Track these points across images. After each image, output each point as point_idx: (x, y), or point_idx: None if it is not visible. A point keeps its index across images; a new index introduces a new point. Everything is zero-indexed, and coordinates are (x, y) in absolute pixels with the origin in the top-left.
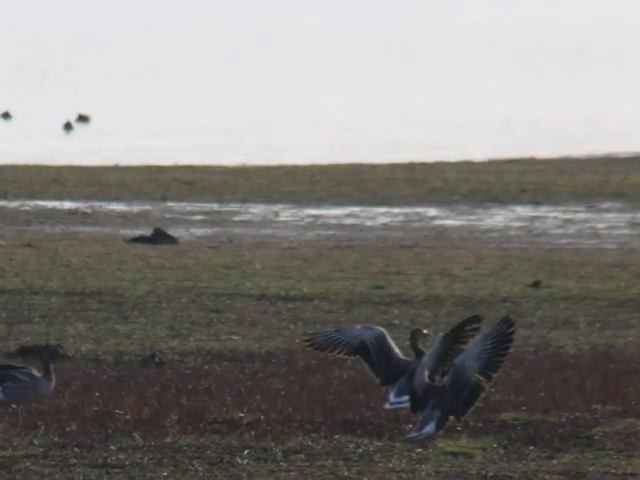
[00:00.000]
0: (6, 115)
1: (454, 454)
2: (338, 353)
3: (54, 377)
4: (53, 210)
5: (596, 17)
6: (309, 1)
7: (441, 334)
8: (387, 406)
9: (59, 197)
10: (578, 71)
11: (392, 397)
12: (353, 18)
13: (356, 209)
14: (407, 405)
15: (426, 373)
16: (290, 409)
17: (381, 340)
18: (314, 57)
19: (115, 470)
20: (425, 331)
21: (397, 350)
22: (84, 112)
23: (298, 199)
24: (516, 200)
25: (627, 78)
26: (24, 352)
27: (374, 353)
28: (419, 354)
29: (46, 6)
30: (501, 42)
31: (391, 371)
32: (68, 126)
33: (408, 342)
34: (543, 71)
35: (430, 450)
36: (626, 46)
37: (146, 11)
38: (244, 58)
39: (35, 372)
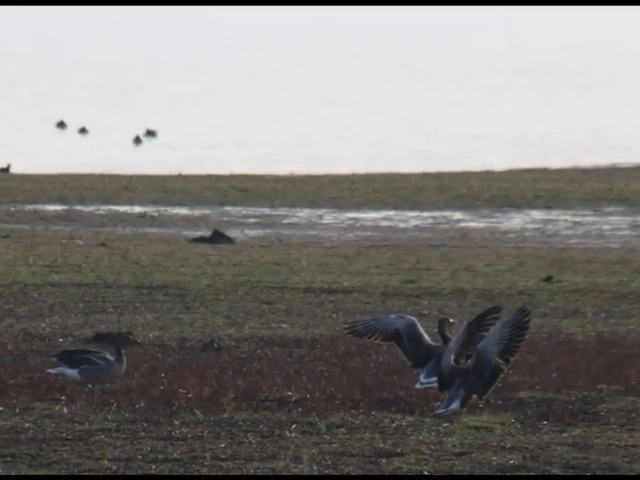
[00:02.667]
0: (83, 130)
1: (476, 428)
2: (375, 339)
3: (125, 360)
4: (124, 214)
5: (598, 43)
6: (347, 28)
7: (465, 322)
8: (418, 386)
9: (130, 202)
10: (584, 91)
11: (422, 378)
12: (385, 44)
13: (390, 213)
14: (435, 385)
15: (452, 357)
16: (332, 388)
17: (412, 328)
18: (351, 78)
19: (179, 442)
20: (451, 320)
21: (426, 337)
22: (151, 127)
23: (339, 204)
24: (531, 205)
25: (627, 97)
26: (99, 338)
27: (406, 339)
28: (446, 340)
29: (116, 33)
30: (515, 65)
31: (421, 355)
32: (137, 140)
33: (436, 329)
34: (553, 91)
35: (455, 424)
36: (625, 69)
37: (202, 37)
38: (290, 79)
39: (108, 356)
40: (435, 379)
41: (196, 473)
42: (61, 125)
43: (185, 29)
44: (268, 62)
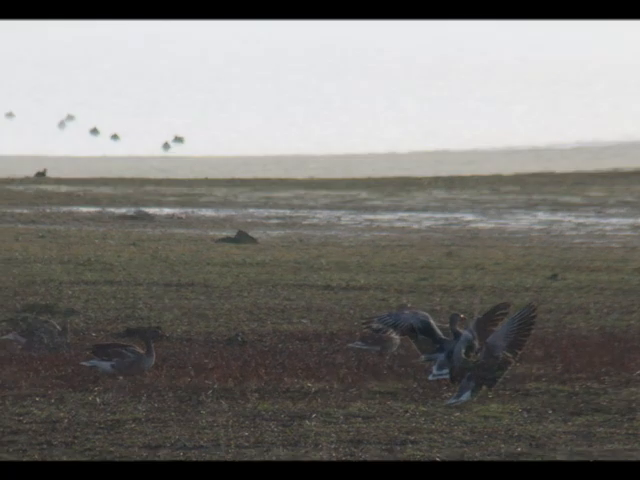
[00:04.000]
0: (115, 136)
1: (485, 417)
2: (390, 334)
3: (154, 354)
4: (154, 215)
5: (600, 57)
6: (367, 40)
7: (476, 318)
8: (430, 377)
9: (159, 204)
10: (588, 100)
11: (434, 370)
12: (404, 55)
13: (405, 214)
14: (447, 377)
15: (463, 350)
16: (350, 380)
17: (425, 323)
18: (370, 86)
19: (205, 430)
20: (462, 315)
21: (439, 331)
22: (179, 134)
23: (356, 206)
24: (537, 207)
25: (628, 105)
26: (130, 333)
27: (420, 334)
28: (457, 335)
29: (148, 45)
30: (525, 76)
31: (434, 349)
32: (166, 145)
33: (448, 325)
34: (558, 100)
35: (466, 414)
36: (627, 79)
37: (224, 49)
38: (312, 88)
39: (139, 349)
40: (446, 371)
41: (222, 460)
42: (94, 131)
43: (206, 41)
44: (290, 71)
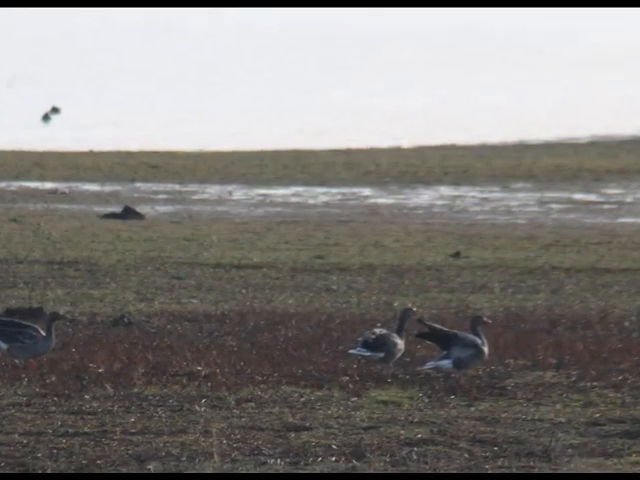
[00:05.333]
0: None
1: (385, 402)
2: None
3: (54, 337)
4: (35, 190)
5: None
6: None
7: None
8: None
9: (41, 179)
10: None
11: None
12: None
13: (300, 189)
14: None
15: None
16: (242, 363)
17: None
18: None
19: (89, 416)
20: (485, 318)
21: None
22: (56, 105)
23: (248, 180)
24: (439, 181)
25: (532, 80)
26: (10, 314)
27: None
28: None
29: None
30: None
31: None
32: (46, 117)
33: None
34: (455, 67)
35: (364, 399)
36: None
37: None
38: (216, 63)
39: (40, 332)
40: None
41: (106, 447)
42: None
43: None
44: (184, 44)
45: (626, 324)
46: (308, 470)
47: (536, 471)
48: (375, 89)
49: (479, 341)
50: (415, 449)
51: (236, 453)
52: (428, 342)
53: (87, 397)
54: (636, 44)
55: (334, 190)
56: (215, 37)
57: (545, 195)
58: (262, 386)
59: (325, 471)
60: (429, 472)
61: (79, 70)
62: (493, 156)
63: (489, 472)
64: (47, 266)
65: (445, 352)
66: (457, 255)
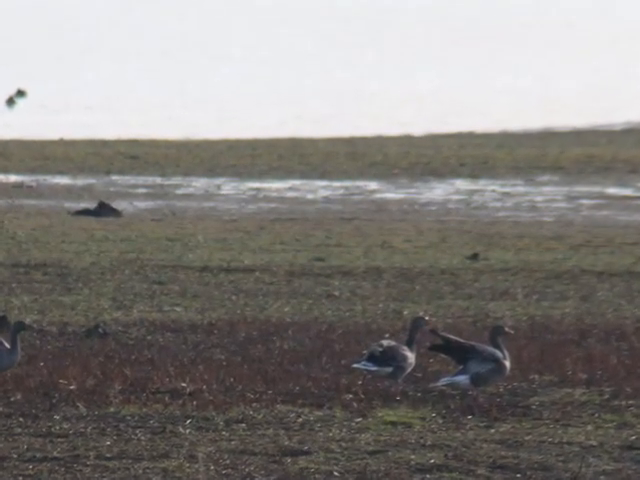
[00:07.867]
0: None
1: (393, 423)
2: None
3: (19, 350)
4: None
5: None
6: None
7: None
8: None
9: (4, 170)
10: (513, 50)
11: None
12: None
13: (297, 182)
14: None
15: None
16: (232, 379)
17: None
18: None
19: (59, 439)
20: (506, 329)
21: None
22: (22, 87)
23: (238, 172)
24: (455, 174)
25: (561, 59)
26: None
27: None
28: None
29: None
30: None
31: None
32: (10, 101)
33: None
34: (475, 51)
35: (370, 419)
36: (574, 27)
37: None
38: (198, 38)
39: (2, 344)
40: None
41: (78, 473)
42: None
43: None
44: (160, 21)
45: None
46: None
47: None
48: (382, 70)
49: (500, 354)
50: (427, 476)
51: None
52: (442, 355)
53: (57, 417)
54: None
55: (336, 184)
56: (201, 8)
57: (574, 189)
58: (254, 405)
59: None
60: None
61: (47, 47)
62: (515, 145)
63: None
64: (11, 269)
65: (461, 367)
66: (475, 257)
